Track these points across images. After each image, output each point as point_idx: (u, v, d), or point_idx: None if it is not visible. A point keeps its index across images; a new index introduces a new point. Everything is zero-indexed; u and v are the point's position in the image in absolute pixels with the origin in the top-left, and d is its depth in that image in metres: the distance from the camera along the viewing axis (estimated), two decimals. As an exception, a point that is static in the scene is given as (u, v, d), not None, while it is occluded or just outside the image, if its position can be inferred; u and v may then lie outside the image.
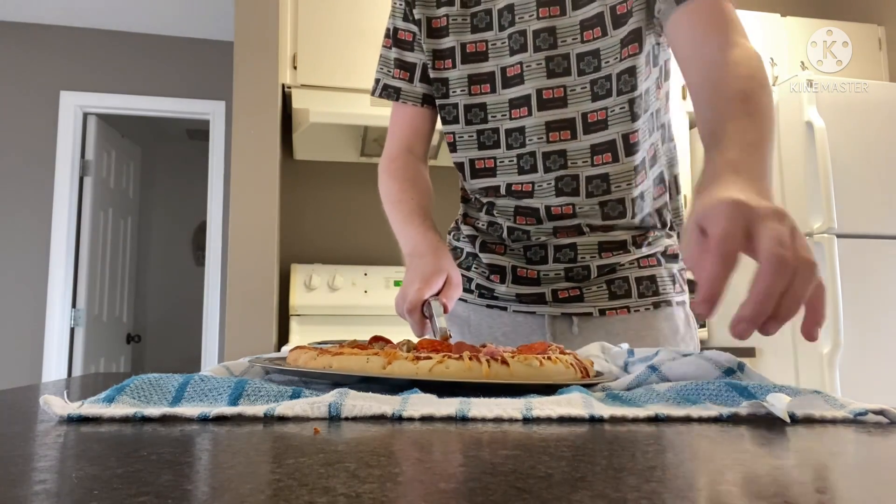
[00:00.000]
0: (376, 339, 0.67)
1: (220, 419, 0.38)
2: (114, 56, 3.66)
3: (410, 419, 0.39)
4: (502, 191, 0.97)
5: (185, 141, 4.84)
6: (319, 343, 0.79)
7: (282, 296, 2.48)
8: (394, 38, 1.02)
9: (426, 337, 0.79)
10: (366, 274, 2.53)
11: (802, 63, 2.86)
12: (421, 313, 0.81)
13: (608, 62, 0.88)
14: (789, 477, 0.26)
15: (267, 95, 2.27)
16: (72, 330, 3.46)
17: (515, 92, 0.92)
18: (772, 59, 2.83)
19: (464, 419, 0.40)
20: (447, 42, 0.96)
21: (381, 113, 2.39)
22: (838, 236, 2.24)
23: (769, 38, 2.85)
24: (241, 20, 2.28)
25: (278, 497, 0.21)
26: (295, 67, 2.40)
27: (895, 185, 2.36)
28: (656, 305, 0.93)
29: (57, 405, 0.38)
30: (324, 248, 2.69)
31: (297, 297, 2.44)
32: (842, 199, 2.27)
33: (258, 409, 0.39)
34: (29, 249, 3.44)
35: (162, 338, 4.67)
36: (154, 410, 0.39)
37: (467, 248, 1.05)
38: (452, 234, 1.09)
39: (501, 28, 0.93)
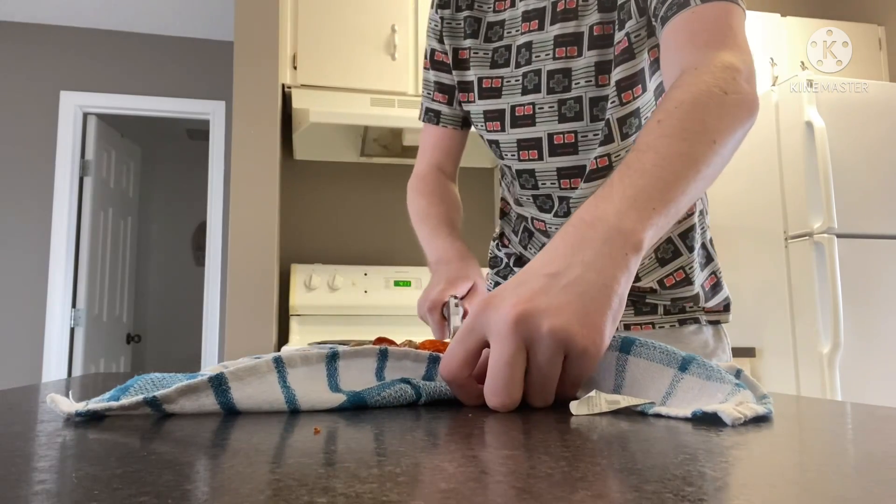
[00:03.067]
0: (380, 341, 0.67)
1: (227, 417, 0.38)
2: (114, 56, 3.66)
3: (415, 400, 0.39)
4: (531, 224, 0.96)
5: (185, 141, 4.84)
6: (319, 343, 0.80)
7: (282, 296, 2.48)
8: (431, 59, 1.01)
9: (437, 339, 0.79)
10: (366, 274, 2.53)
11: (802, 63, 2.86)
12: (441, 314, 0.80)
13: (605, 106, 0.84)
14: (784, 476, 0.26)
15: (267, 95, 2.27)
16: (72, 330, 3.46)
17: (525, 133, 0.89)
18: (772, 59, 2.83)
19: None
20: (469, 75, 0.94)
21: (381, 113, 2.39)
22: (838, 236, 2.24)
23: (769, 38, 2.85)
24: (241, 20, 2.28)
25: (278, 497, 0.21)
26: (295, 67, 2.40)
27: (895, 185, 2.36)
28: (682, 322, 0.91)
29: (63, 404, 0.38)
30: (324, 248, 2.69)
31: (297, 297, 2.44)
32: (842, 199, 2.27)
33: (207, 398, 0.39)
34: (29, 249, 3.44)
35: (162, 338, 4.67)
36: (169, 407, 0.39)
37: (506, 261, 1.04)
38: (496, 242, 1.08)
39: (518, 65, 0.89)
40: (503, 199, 1.05)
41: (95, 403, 0.38)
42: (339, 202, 2.74)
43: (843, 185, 2.29)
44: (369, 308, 2.48)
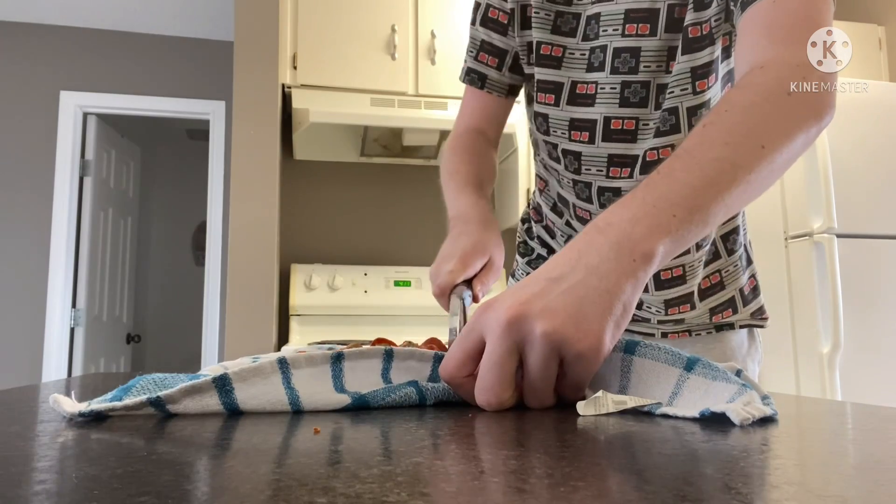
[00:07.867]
0: (379, 342, 0.67)
1: (228, 418, 0.38)
2: (114, 56, 3.66)
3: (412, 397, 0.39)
4: (571, 211, 0.89)
5: (185, 141, 4.83)
6: (319, 343, 0.79)
7: (282, 296, 2.48)
8: (483, 15, 0.89)
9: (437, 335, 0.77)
10: (366, 274, 2.53)
11: (802, 63, 2.86)
12: (448, 300, 0.72)
13: (673, 93, 0.77)
14: (783, 474, 0.26)
15: (267, 95, 2.27)
16: (72, 330, 3.46)
17: (580, 112, 0.82)
18: (772, 59, 2.83)
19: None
20: (531, 36, 0.85)
21: (380, 113, 2.40)
22: (838, 236, 2.24)
23: (769, 38, 2.85)
24: (241, 20, 2.28)
25: (278, 497, 0.21)
26: (295, 67, 2.40)
27: (895, 185, 2.36)
28: (718, 329, 0.89)
29: (66, 404, 0.38)
30: (324, 248, 2.69)
31: (297, 297, 2.44)
32: (842, 199, 2.27)
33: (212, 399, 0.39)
34: (29, 249, 3.44)
35: (162, 338, 4.67)
36: (173, 407, 0.39)
37: (538, 250, 0.97)
38: (525, 225, 1.00)
39: (585, 38, 0.81)
40: (538, 175, 0.97)
41: (98, 404, 0.38)
42: (339, 202, 2.74)
43: (843, 185, 2.29)
44: (369, 308, 2.48)
